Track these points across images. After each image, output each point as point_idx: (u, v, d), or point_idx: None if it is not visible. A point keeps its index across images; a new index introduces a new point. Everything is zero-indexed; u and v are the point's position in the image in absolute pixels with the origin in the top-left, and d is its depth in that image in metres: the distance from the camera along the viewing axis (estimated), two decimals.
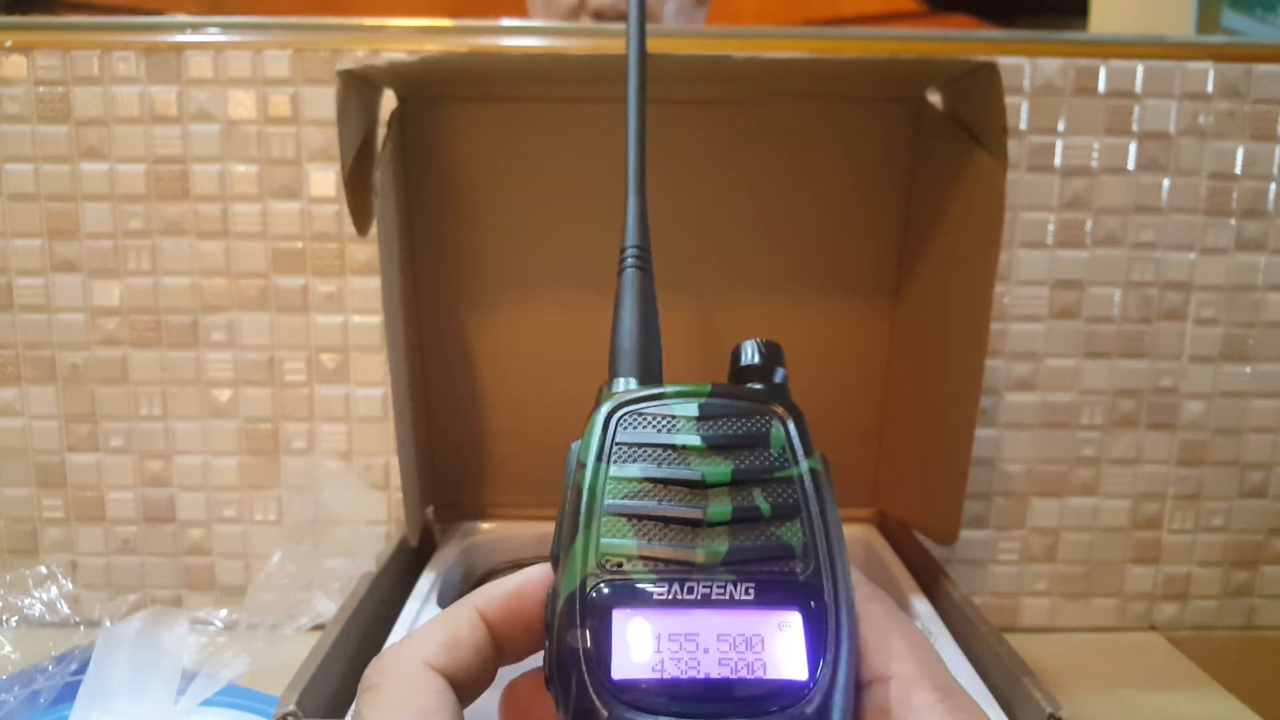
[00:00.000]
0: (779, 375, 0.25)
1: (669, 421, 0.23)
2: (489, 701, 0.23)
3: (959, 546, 0.60)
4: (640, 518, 0.21)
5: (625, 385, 0.25)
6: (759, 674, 0.20)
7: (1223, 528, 0.61)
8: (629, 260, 0.28)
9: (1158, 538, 0.61)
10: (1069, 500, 0.60)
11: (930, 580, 0.49)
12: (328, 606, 0.51)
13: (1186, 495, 0.60)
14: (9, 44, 0.55)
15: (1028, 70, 0.56)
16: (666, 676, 0.20)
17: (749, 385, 0.24)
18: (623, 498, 0.22)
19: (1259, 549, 0.61)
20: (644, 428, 0.23)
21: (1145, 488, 0.60)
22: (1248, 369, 0.59)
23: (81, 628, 0.55)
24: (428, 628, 0.22)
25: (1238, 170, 0.57)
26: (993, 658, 0.41)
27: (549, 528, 0.23)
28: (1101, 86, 0.56)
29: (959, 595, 0.46)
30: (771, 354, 0.25)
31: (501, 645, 0.23)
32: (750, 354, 0.25)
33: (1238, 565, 0.61)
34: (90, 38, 0.55)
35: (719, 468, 0.22)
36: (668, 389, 0.23)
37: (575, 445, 0.23)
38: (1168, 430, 0.60)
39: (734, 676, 0.20)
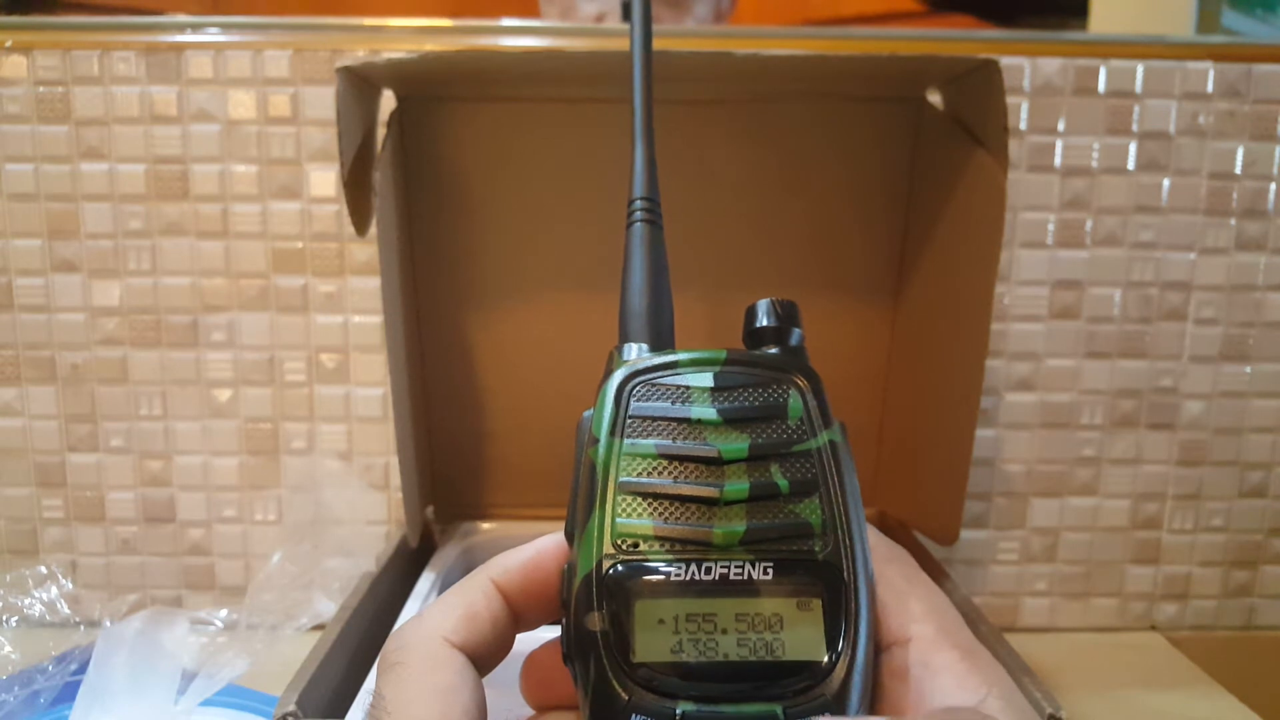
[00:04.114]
0: (795, 337, 0.24)
1: (683, 393, 0.22)
2: (507, 671, 0.23)
3: (959, 546, 0.60)
4: (656, 496, 0.21)
5: (637, 351, 0.24)
6: (778, 655, 0.20)
7: (1223, 528, 0.61)
8: (637, 214, 0.26)
9: (1158, 538, 0.61)
10: (1069, 500, 0.60)
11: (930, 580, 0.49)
12: (328, 606, 0.51)
13: (1186, 495, 0.60)
14: (9, 44, 0.55)
15: (1028, 70, 0.56)
16: (685, 659, 0.20)
17: (765, 349, 0.24)
18: (637, 475, 0.21)
19: (1259, 549, 0.61)
20: (658, 399, 0.22)
21: (1145, 488, 0.60)
22: (1248, 369, 0.59)
23: (81, 628, 0.55)
24: (445, 601, 0.22)
25: (1238, 170, 0.57)
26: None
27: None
28: (1101, 86, 0.56)
29: (959, 595, 0.46)
30: (788, 314, 0.24)
31: (518, 615, 0.23)
32: (765, 315, 0.24)
33: (1238, 565, 0.61)
34: (90, 38, 0.55)
35: (736, 442, 0.21)
36: (681, 357, 0.23)
37: (587, 415, 0.23)
38: (1168, 430, 0.60)
39: (753, 658, 0.20)
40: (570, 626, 0.21)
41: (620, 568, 0.20)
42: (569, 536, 0.22)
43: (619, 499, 0.21)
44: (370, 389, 0.59)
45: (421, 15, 0.59)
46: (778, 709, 0.19)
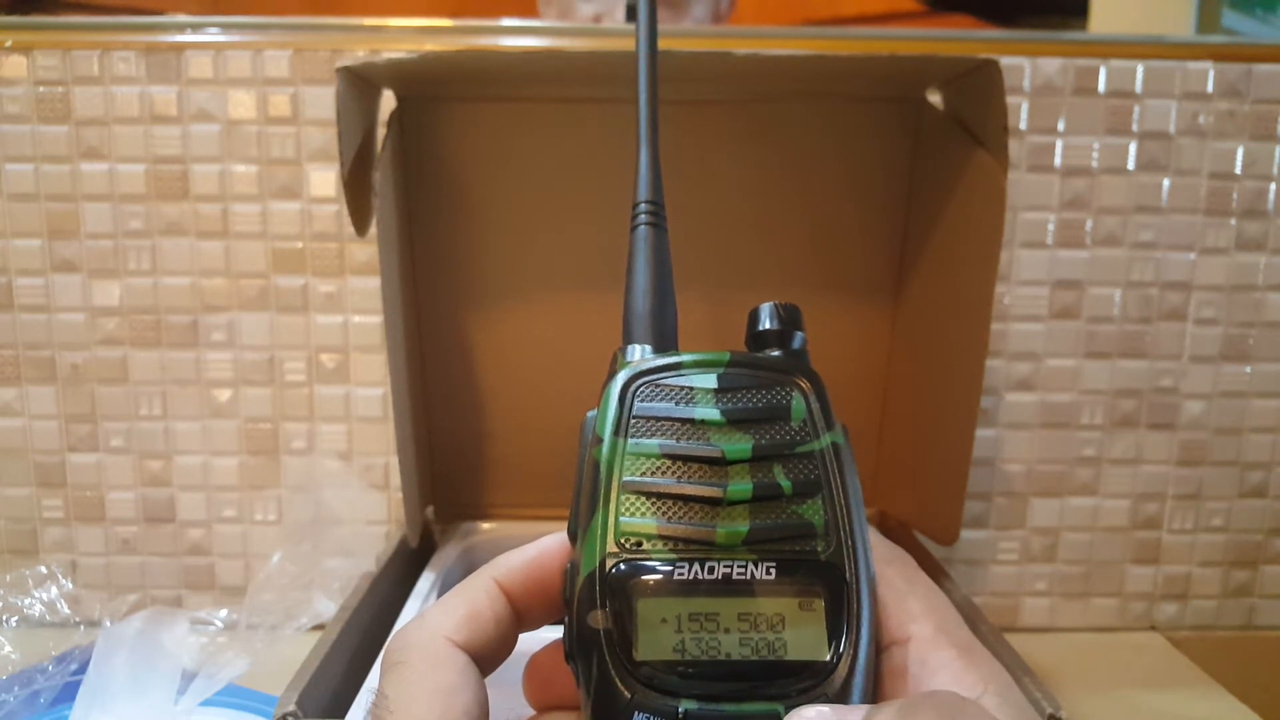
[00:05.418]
0: (797, 340, 0.24)
1: (687, 393, 0.22)
2: (509, 671, 0.23)
3: (959, 546, 0.60)
4: (659, 496, 0.21)
5: (640, 352, 0.24)
6: (780, 655, 0.20)
7: (1223, 528, 0.61)
8: (641, 216, 0.27)
9: (1158, 538, 0.61)
10: (1069, 500, 0.60)
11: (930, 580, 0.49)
12: (328, 606, 0.51)
13: (1186, 495, 0.60)
14: (9, 44, 0.55)
15: (1028, 70, 0.56)
16: (687, 658, 0.20)
17: (767, 352, 0.24)
18: (641, 474, 0.21)
19: (1259, 549, 0.61)
20: (661, 400, 0.22)
21: (1145, 488, 0.60)
22: (1248, 369, 0.59)
23: (81, 628, 0.55)
24: (448, 601, 0.22)
25: (1238, 170, 0.57)
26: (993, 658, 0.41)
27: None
28: (1101, 86, 0.56)
29: (959, 595, 0.46)
30: (790, 317, 0.24)
31: (521, 615, 0.23)
32: (768, 318, 0.24)
33: (1238, 565, 0.61)
34: (90, 38, 0.55)
35: (739, 443, 0.22)
36: (685, 358, 0.23)
37: (590, 415, 0.23)
38: (1168, 430, 0.60)
39: (755, 658, 0.20)
40: (573, 625, 0.21)
41: (623, 566, 0.21)
42: (572, 536, 0.22)
43: (623, 498, 0.21)
44: (370, 389, 0.59)
45: (421, 15, 0.59)
46: (779, 708, 0.20)
